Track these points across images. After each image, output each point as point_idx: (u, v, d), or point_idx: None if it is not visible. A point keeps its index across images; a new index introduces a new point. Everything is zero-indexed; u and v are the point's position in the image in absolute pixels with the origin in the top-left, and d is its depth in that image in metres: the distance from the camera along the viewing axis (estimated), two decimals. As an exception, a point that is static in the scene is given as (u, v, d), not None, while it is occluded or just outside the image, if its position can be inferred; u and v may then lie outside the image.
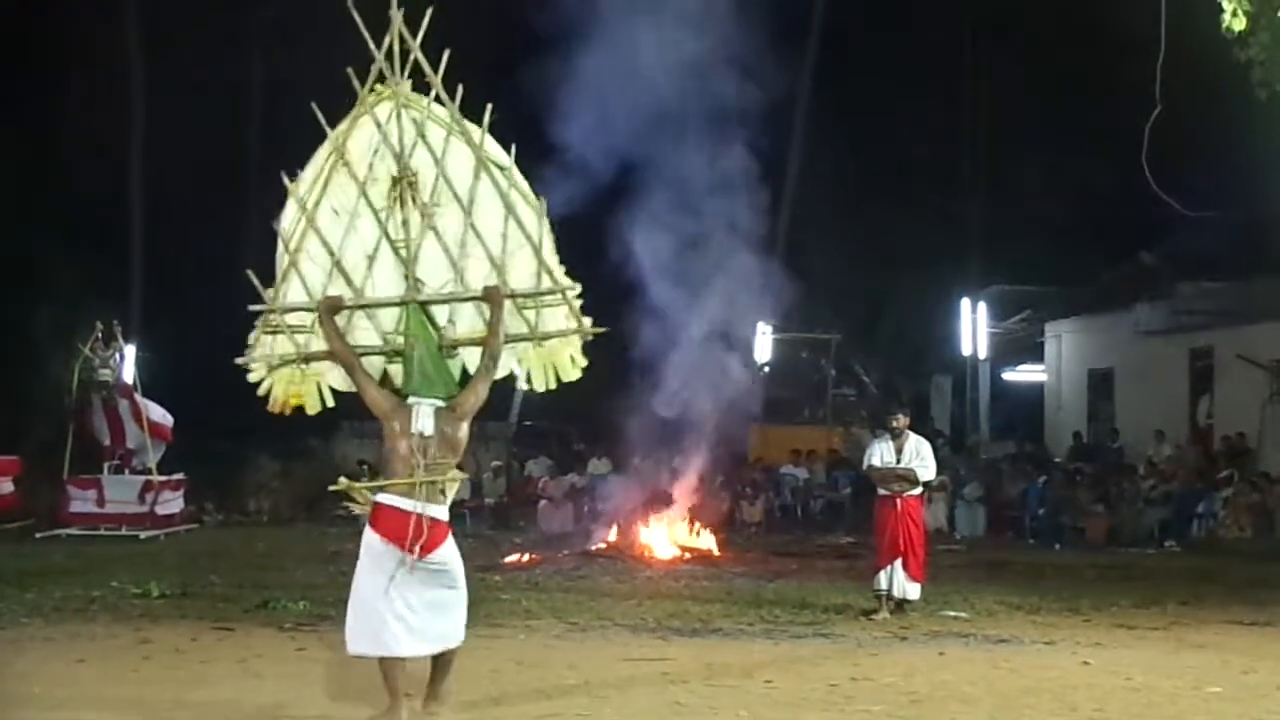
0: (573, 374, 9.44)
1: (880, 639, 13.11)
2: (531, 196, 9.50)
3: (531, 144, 9.89)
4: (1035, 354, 37.20)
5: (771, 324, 33.37)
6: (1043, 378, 36.94)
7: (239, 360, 9.84)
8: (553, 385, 9.47)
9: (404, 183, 9.45)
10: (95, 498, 24.68)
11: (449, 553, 8.95)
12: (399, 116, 9.45)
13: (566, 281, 9.44)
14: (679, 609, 14.94)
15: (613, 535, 22.51)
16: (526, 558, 20.69)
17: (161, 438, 25.83)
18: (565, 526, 25.64)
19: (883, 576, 14.73)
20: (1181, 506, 25.70)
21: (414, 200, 9.46)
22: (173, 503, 25.83)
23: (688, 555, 21.61)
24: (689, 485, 23.67)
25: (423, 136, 9.50)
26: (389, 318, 9.46)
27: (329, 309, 9.27)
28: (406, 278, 9.43)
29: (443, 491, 8.96)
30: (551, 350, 9.44)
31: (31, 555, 20.20)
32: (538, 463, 32.16)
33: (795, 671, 10.97)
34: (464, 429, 9.02)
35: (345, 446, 34.45)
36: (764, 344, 33.83)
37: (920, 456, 14.97)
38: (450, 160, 9.50)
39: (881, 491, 15.16)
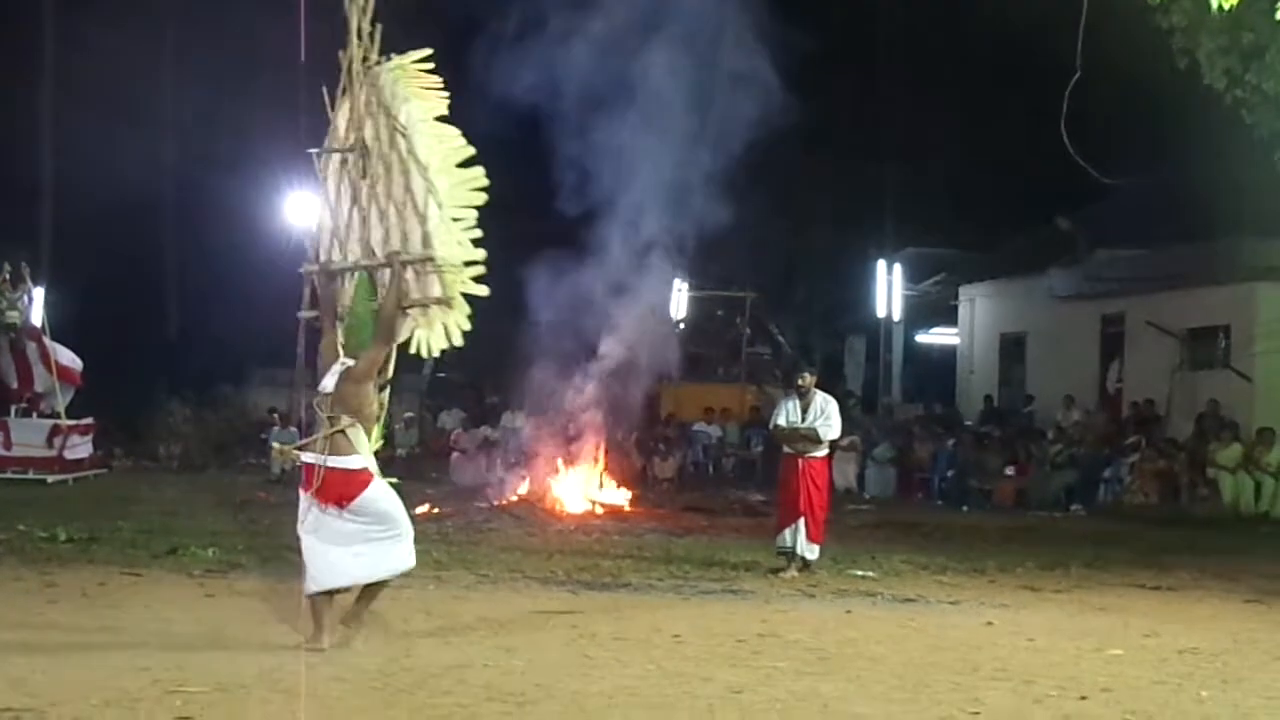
0: (445, 344, 9.74)
1: (788, 596, 13.19)
2: (421, 155, 9.68)
3: (449, 71, 10.01)
4: (949, 317, 37.45)
5: (687, 281, 33.40)
6: (955, 341, 37.21)
7: (299, 314, 10.85)
8: (434, 353, 9.89)
9: (358, 153, 10.08)
10: (2, 441, 24.37)
11: (370, 497, 9.46)
12: (364, 92, 10.10)
13: (444, 252, 9.56)
14: (589, 563, 14.98)
15: (524, 489, 22.53)
16: (436, 509, 20.65)
17: (70, 381, 25.52)
18: (477, 479, 25.55)
19: (787, 535, 14.75)
20: (1089, 471, 26.00)
21: (365, 171, 10.04)
22: (81, 447, 25.54)
23: (599, 510, 21.67)
24: (602, 440, 23.68)
25: (370, 110, 10.03)
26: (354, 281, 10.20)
27: (325, 274, 10.23)
28: (361, 242, 10.05)
29: (348, 441, 9.43)
30: (430, 318, 9.71)
31: (-64, 497, 19.95)
32: (450, 415, 32.11)
33: (704, 627, 11.02)
34: (360, 389, 9.53)
35: (257, 394, 34.26)
36: (680, 301, 33.84)
37: (825, 415, 14.90)
38: (381, 130, 9.96)
39: (786, 450, 15.20)
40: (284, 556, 13.96)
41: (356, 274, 10.13)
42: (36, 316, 26.13)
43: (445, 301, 9.59)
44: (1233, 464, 24.24)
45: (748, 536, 17.90)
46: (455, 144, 9.78)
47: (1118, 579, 15.13)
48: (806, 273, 38.62)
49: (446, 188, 9.65)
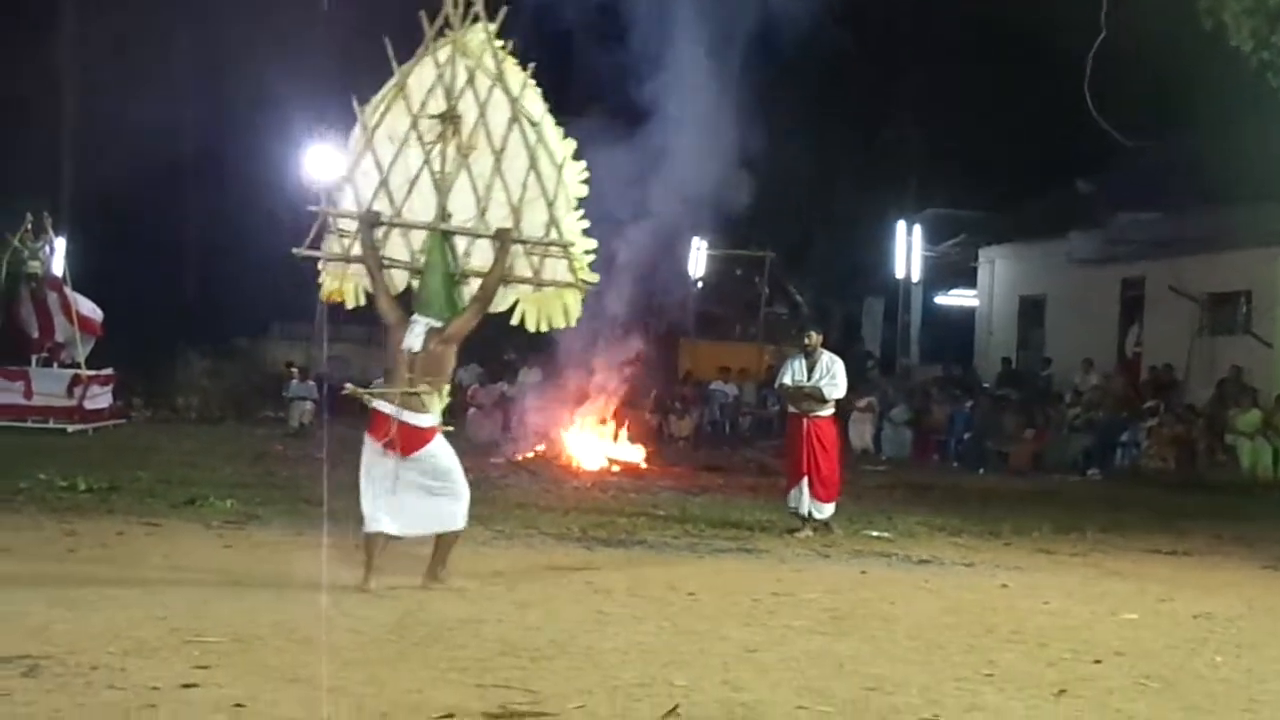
0: (564, 322, 10.58)
1: (803, 556, 13.22)
2: (556, 154, 10.48)
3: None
4: (968, 279, 37.38)
5: (707, 239, 33.35)
6: (974, 303, 37.13)
7: (295, 250, 10.97)
8: (544, 328, 10.60)
9: (449, 121, 10.56)
10: (23, 390, 24.45)
11: (431, 452, 9.99)
12: (454, 62, 10.59)
13: (574, 239, 10.44)
14: (605, 520, 15.02)
15: (541, 445, 22.57)
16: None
17: (90, 332, 25.60)
18: (494, 435, 25.62)
19: (793, 495, 14.79)
20: (1106, 435, 25.98)
21: (454, 139, 10.56)
22: (101, 397, 25.64)
23: (615, 467, 21.71)
24: (619, 398, 23.70)
25: (471, 83, 10.57)
26: (419, 238, 10.60)
27: (367, 221, 10.52)
28: (438, 206, 10.54)
29: (423, 403, 9.97)
30: (546, 297, 10.49)
31: (-43, 445, 20.04)
32: (468, 370, 32.07)
33: (718, 585, 11.05)
34: (448, 351, 10.13)
35: (274, 348, 34.35)
36: (699, 259, 33.81)
37: (831, 374, 14.85)
38: (491, 108, 10.56)
39: (792, 410, 15.21)
40: (301, 509, 14.08)
41: (426, 234, 10.52)
42: (58, 267, 26.21)
43: (574, 284, 10.45)
44: (1251, 430, 24.22)
45: (763, 496, 17.90)
46: (565, 138, 10.61)
47: (1133, 543, 15.14)
48: (826, 233, 38.51)
49: (571, 179, 10.50)
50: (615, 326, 22.85)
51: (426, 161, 10.63)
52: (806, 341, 15.18)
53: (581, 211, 10.54)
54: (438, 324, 10.10)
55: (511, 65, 10.63)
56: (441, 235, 10.46)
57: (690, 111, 21.70)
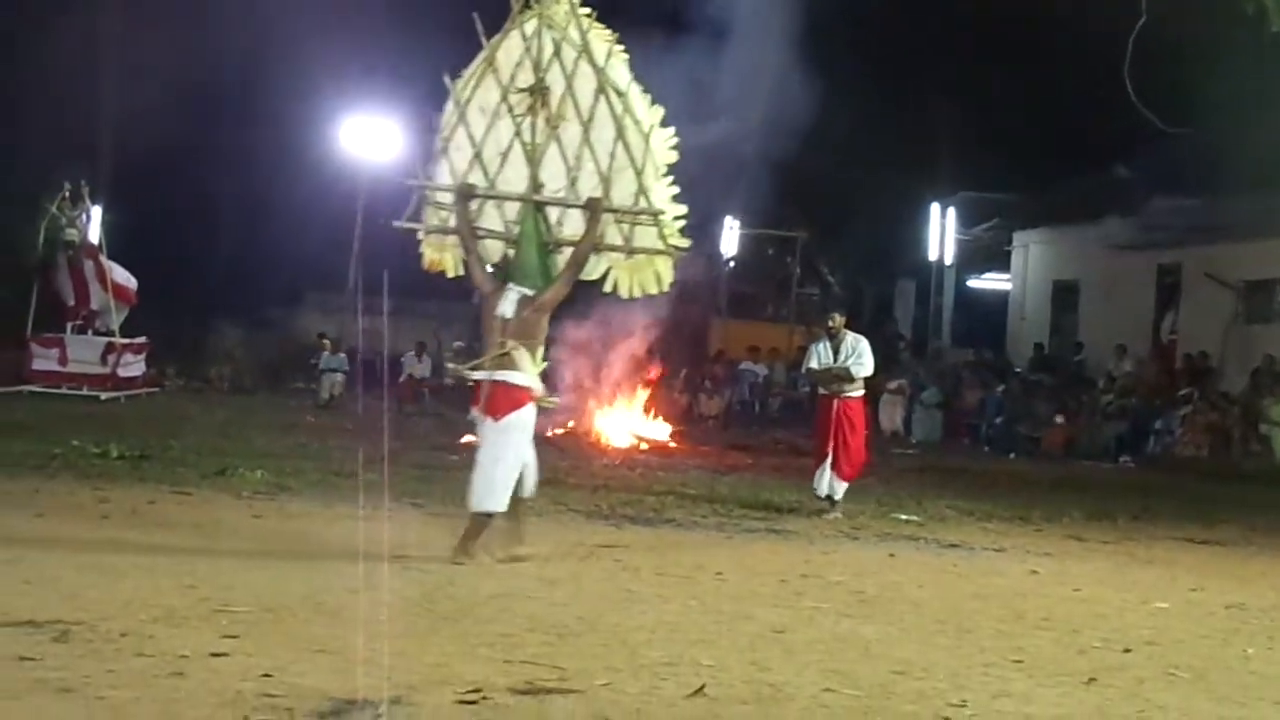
0: (656, 289, 10.77)
1: (831, 538, 13.19)
2: (644, 123, 10.64)
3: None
4: (1002, 262, 37.23)
5: (739, 219, 33.27)
6: (1008, 287, 36.98)
7: (395, 223, 11.22)
8: (636, 295, 10.79)
9: (537, 93, 10.78)
10: (58, 357, 24.61)
11: (522, 420, 10.26)
12: (541, 35, 10.79)
13: (663, 206, 10.60)
14: (633, 498, 15.00)
15: (571, 422, 22.57)
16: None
17: (125, 300, 25.73)
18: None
19: (818, 477, 14.78)
20: (1139, 422, 25.88)
21: (544, 110, 10.79)
22: (134, 366, 25.77)
23: (644, 445, 21.70)
24: (649, 376, 23.68)
25: (558, 55, 10.78)
26: (512, 209, 10.84)
27: (462, 194, 10.79)
28: (530, 177, 10.78)
29: (514, 361, 10.19)
30: (638, 265, 10.68)
31: (-8, 410, 20.17)
32: (500, 345, 32.13)
33: (746, 565, 11.04)
34: (540, 319, 10.37)
35: (308, 319, 34.42)
36: (731, 238, 33.74)
37: (857, 354, 14.84)
38: (578, 80, 10.77)
39: (822, 392, 15.20)
40: (331, 482, 14.13)
41: (520, 206, 10.75)
42: (94, 235, 26.32)
43: (665, 251, 10.63)
44: (1285, 420, 24.09)
45: (792, 477, 17.86)
46: (657, 108, 10.76)
47: (1165, 532, 15.08)
48: (859, 214, 38.36)
49: (659, 148, 10.63)
50: (646, 305, 22.78)
51: (517, 133, 10.84)
52: (830, 324, 15.17)
53: (671, 178, 10.70)
54: (530, 292, 10.31)
55: (597, 34, 10.81)
56: (534, 206, 10.70)
57: (721, 90, 21.64)
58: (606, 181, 10.61)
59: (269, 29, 32.81)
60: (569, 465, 18.31)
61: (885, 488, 17.33)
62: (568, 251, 10.61)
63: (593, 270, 10.66)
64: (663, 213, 10.58)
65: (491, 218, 10.89)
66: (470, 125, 10.97)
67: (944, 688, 7.18)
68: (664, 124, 10.76)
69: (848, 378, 14.85)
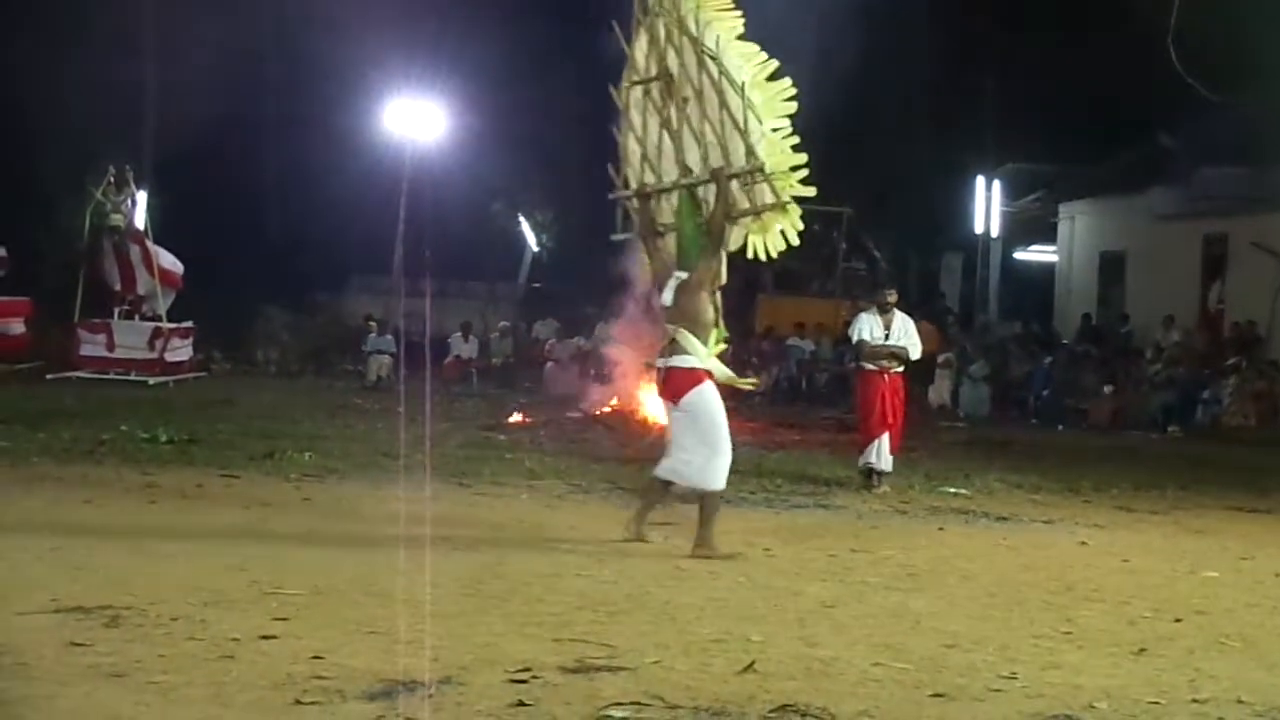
0: (783, 245, 10.60)
1: (880, 513, 13.16)
2: (736, 78, 10.40)
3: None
4: (1048, 235, 37.03)
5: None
6: (1054, 259, 36.80)
7: (613, 236, 11.82)
8: (774, 254, 10.76)
9: (663, 80, 10.93)
10: (105, 342, 24.76)
11: (703, 397, 10.31)
12: (654, 23, 10.97)
13: (768, 159, 10.28)
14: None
15: (618, 400, 22.55)
16: (530, 419, 20.75)
17: (172, 285, 25.86)
18: (571, 389, 25.64)
19: (871, 451, 14.74)
20: (1187, 392, 25.74)
21: (671, 96, 10.90)
22: (181, 350, 25.91)
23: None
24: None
25: (670, 39, 10.86)
26: (675, 199, 10.92)
27: (637, 196, 11.04)
28: (679, 163, 10.86)
29: (680, 345, 10.27)
30: (766, 224, 10.55)
31: (42, 397, 20.35)
32: (545, 324, 32.22)
33: (795, 541, 11.03)
34: (697, 299, 10.32)
35: (354, 301, 34.56)
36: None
37: (908, 334, 14.94)
38: (685, 56, 10.79)
39: (869, 367, 15.13)
40: (379, 463, 14.18)
41: (677, 193, 10.82)
42: (139, 219, 26.46)
43: (779, 206, 10.36)
44: (1333, 387, 23.93)
45: (840, 452, 17.83)
46: (761, 59, 10.50)
47: (1214, 501, 15.00)
48: (904, 188, 38.15)
49: (761, 101, 10.38)
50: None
51: (664, 124, 10.98)
52: (888, 298, 15.13)
53: (787, 129, 10.47)
54: (685, 275, 10.40)
55: (691, 3, 10.76)
56: (683, 190, 10.77)
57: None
58: (724, 149, 10.54)
59: (313, 9, 32.94)
60: (616, 443, 18.32)
61: (934, 461, 17.28)
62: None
63: (734, 240, 10.65)
64: (763, 167, 10.29)
65: (666, 212, 11.03)
66: (635, 128, 11.20)
67: (994, 660, 7.16)
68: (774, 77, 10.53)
69: (904, 358, 14.88)
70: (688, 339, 10.27)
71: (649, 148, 11.10)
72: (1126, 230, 33.21)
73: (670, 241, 10.87)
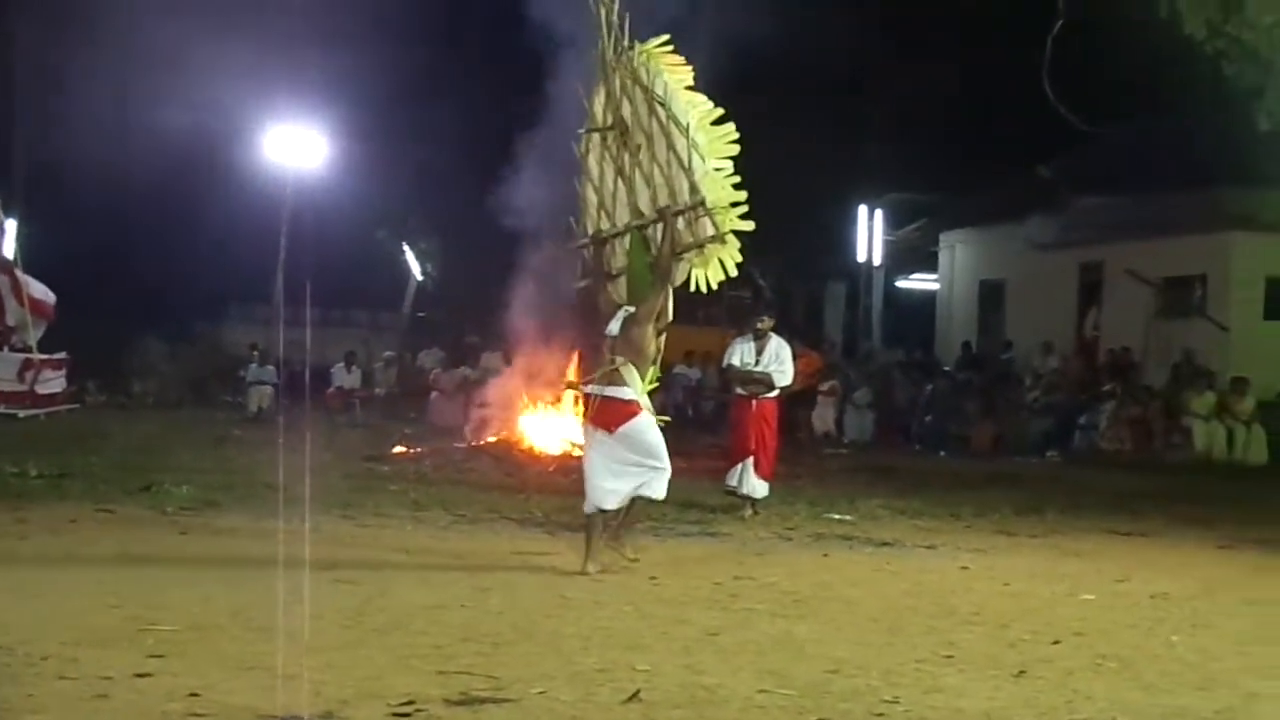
0: (722, 276, 11.13)
1: (764, 540, 13.20)
2: (681, 118, 10.99)
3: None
4: (929, 263, 37.46)
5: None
6: (935, 287, 37.21)
7: (576, 285, 12.07)
8: (714, 285, 11.21)
9: (617, 128, 11.41)
10: (-29, 375, 24.20)
11: (637, 428, 10.63)
12: (609, 74, 11.45)
13: (706, 194, 10.86)
14: (567, 504, 14.86)
15: (503, 430, 22.45)
16: (414, 449, 20.60)
17: (43, 315, 25.23)
18: (456, 419, 25.48)
19: (734, 474, 14.88)
20: (1065, 418, 26.10)
21: (624, 143, 11.38)
22: (54, 382, 25.27)
23: (577, 451, 21.59)
24: (580, 381, 23.55)
25: (624, 89, 11.37)
26: (626, 242, 11.39)
27: (592, 243, 11.49)
28: (630, 207, 11.36)
29: (621, 377, 10.62)
30: (707, 256, 11.05)
31: (-94, 429, 19.86)
32: (430, 354, 32.00)
33: (681, 569, 11.02)
34: (642, 333, 10.75)
35: (234, 331, 34.16)
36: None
37: (779, 360, 15.01)
38: (637, 104, 11.32)
39: (739, 391, 15.23)
40: (259, 495, 13.93)
41: (629, 235, 11.27)
42: (9, 249, 25.92)
43: (719, 238, 10.90)
44: (1206, 412, 24.42)
45: (725, 480, 17.82)
46: (706, 106, 11.06)
47: (1092, 525, 15.19)
48: (788, 217, 38.32)
49: (705, 142, 10.94)
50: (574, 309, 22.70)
51: (618, 172, 11.45)
52: (759, 325, 15.23)
53: (727, 168, 10.99)
54: (633, 309, 10.82)
55: (641, 52, 11.28)
56: (637, 230, 11.22)
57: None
58: (670, 188, 11.04)
59: (192, 33, 32.57)
60: (502, 473, 18.24)
61: (818, 487, 17.38)
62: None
63: (680, 275, 11.10)
64: (704, 200, 10.81)
65: (619, 256, 11.45)
66: (593, 177, 11.63)
67: (877, 685, 7.18)
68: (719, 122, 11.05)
69: (770, 384, 14.95)
70: (631, 373, 10.61)
71: (605, 195, 11.53)
72: (1006, 259, 33.67)
73: (622, 284, 11.29)
